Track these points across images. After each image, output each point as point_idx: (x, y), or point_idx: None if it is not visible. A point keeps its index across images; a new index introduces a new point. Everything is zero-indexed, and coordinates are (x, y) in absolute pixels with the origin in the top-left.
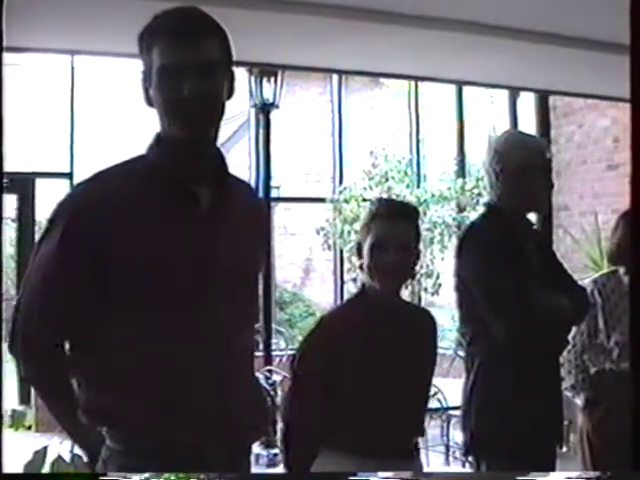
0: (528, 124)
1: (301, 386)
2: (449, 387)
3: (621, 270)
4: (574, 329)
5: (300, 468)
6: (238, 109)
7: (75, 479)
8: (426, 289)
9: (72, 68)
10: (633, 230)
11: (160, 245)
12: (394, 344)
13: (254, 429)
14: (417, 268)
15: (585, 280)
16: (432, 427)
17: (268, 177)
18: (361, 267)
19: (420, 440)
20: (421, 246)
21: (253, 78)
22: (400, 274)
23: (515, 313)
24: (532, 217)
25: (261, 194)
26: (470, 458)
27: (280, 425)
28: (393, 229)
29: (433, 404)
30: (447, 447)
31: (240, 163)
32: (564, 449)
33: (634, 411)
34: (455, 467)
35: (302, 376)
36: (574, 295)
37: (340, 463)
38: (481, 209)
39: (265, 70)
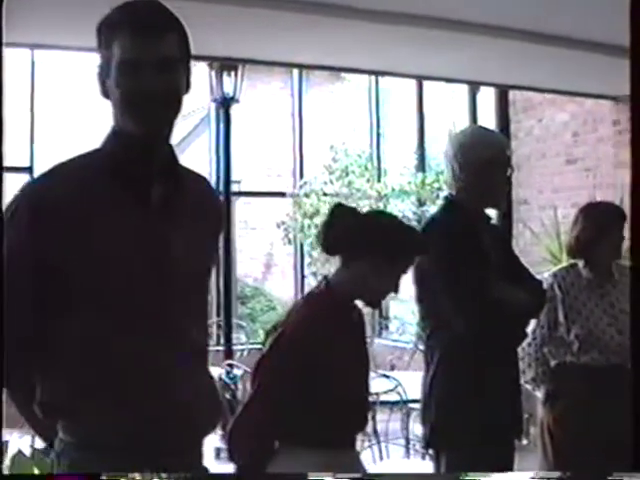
0: (488, 119)
1: (268, 381)
2: (409, 380)
3: (580, 263)
4: (534, 322)
5: (255, 464)
6: (198, 104)
7: (74, 479)
8: None
9: (32, 62)
10: (633, 230)
11: (113, 240)
12: (353, 338)
13: (207, 423)
14: None
15: (545, 273)
16: (392, 420)
17: (228, 171)
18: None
19: (380, 433)
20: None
21: (213, 72)
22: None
23: (474, 307)
24: (491, 211)
25: (221, 189)
26: (430, 451)
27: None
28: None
29: (393, 397)
30: (407, 440)
31: (200, 158)
32: (524, 442)
33: (633, 410)
34: (415, 460)
35: (266, 373)
36: (532, 288)
37: (307, 457)
38: (441, 203)
39: (225, 64)
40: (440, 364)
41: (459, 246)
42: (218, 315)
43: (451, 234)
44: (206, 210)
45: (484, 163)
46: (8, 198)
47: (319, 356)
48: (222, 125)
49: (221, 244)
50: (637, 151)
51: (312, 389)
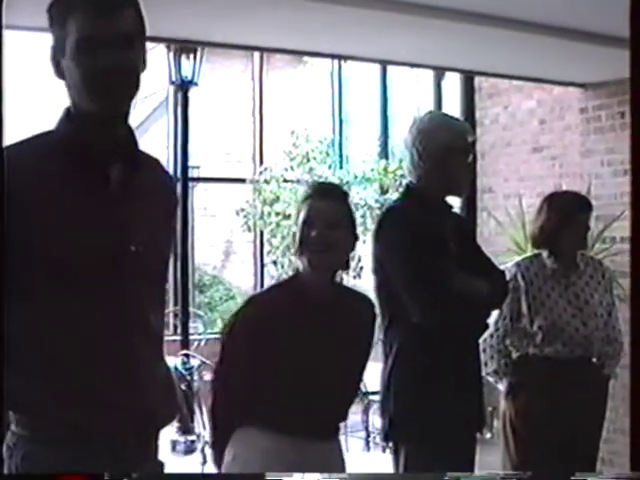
0: (453, 105)
1: (227, 364)
2: (371, 372)
3: (544, 253)
4: (496, 313)
5: (223, 445)
6: (157, 87)
7: (75, 479)
8: (348, 272)
9: None
10: (633, 229)
11: (68, 223)
12: (322, 327)
13: (162, 413)
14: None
15: (508, 264)
16: (353, 412)
17: (186, 157)
18: (296, 251)
19: (340, 425)
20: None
21: (172, 55)
22: (329, 250)
23: (432, 296)
24: (454, 200)
25: (180, 174)
26: (389, 444)
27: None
28: (320, 206)
29: None
30: (367, 433)
31: (158, 142)
32: (488, 435)
33: (632, 410)
34: (375, 453)
35: (228, 354)
36: (493, 278)
37: (260, 440)
38: (401, 191)
39: (184, 47)
40: (398, 355)
41: (417, 234)
42: (175, 304)
43: (409, 222)
44: (162, 194)
45: (443, 150)
46: None
47: (276, 341)
48: (180, 109)
49: (179, 231)
50: (637, 151)
51: (268, 372)
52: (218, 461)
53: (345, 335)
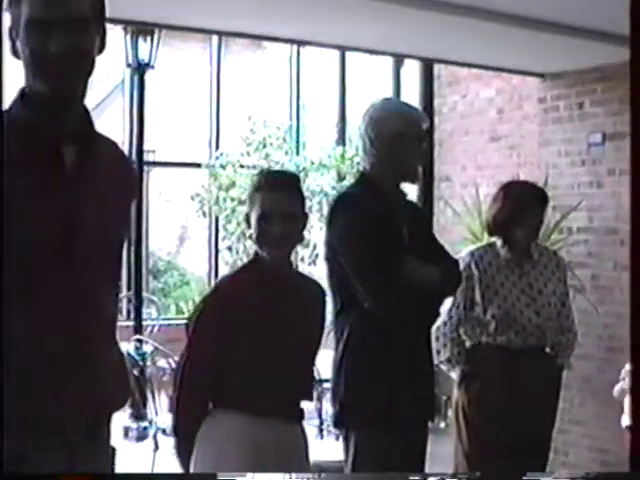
0: (412, 93)
1: (197, 348)
2: (324, 359)
3: (498, 243)
4: (450, 302)
5: (187, 430)
6: (113, 69)
7: (75, 479)
8: (303, 259)
9: None
10: (633, 228)
11: (20, 205)
12: (284, 311)
13: (114, 399)
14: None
15: (462, 252)
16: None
17: (142, 140)
18: (251, 237)
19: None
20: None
21: (128, 37)
22: (288, 242)
23: (383, 282)
24: (411, 188)
25: (135, 158)
26: (340, 430)
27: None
28: (276, 199)
29: None
30: (321, 421)
31: (114, 125)
32: (442, 424)
33: (632, 410)
34: (329, 440)
35: (199, 338)
36: (445, 266)
37: (228, 421)
38: (355, 178)
39: (141, 29)
40: (350, 341)
41: (369, 221)
42: (128, 289)
43: (361, 208)
44: (119, 177)
45: (395, 136)
46: None
47: (240, 323)
48: (136, 92)
49: (134, 215)
50: (637, 151)
51: (238, 355)
52: (181, 448)
53: (303, 318)
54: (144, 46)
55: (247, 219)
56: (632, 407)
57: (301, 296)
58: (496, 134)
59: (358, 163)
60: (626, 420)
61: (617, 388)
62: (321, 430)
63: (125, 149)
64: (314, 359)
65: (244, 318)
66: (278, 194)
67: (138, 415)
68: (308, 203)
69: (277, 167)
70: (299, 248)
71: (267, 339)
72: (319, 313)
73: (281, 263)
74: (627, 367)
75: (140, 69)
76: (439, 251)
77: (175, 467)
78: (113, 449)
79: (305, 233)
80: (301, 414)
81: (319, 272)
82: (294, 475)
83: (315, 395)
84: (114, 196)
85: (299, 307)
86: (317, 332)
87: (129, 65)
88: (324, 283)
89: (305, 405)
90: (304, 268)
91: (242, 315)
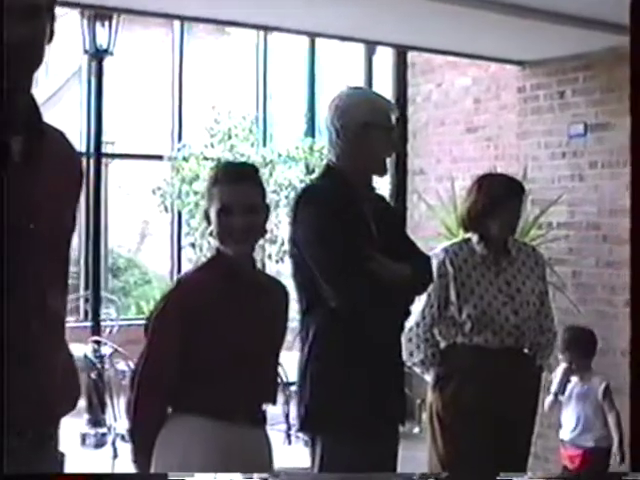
0: (384, 82)
1: (157, 349)
2: (292, 361)
3: (474, 238)
4: (423, 301)
5: (145, 435)
6: (70, 56)
7: (76, 479)
8: (270, 256)
9: None
10: (633, 225)
11: None
12: (247, 310)
13: (61, 401)
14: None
15: (436, 249)
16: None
17: (100, 131)
18: (211, 233)
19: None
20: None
21: (86, 22)
22: (250, 236)
23: (349, 280)
24: (384, 182)
25: (93, 149)
26: (306, 435)
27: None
28: (236, 192)
29: None
30: (288, 425)
31: (71, 115)
32: (416, 429)
33: (631, 410)
34: (296, 446)
35: (160, 338)
36: (417, 264)
37: (190, 426)
38: (320, 170)
39: (99, 13)
40: (315, 342)
41: (335, 215)
42: (86, 288)
43: (327, 202)
44: (66, 168)
45: (361, 126)
46: None
47: (203, 322)
48: (94, 80)
49: (91, 211)
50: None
51: (200, 355)
52: (138, 454)
53: (267, 317)
54: (102, 32)
55: (206, 215)
56: (631, 408)
57: (265, 295)
58: (472, 125)
59: (326, 155)
60: (565, 434)
61: (547, 402)
62: (289, 435)
63: (82, 140)
64: (277, 361)
65: (206, 317)
66: (237, 186)
67: (96, 421)
68: (275, 197)
69: (243, 159)
70: (266, 245)
71: (229, 339)
72: (283, 313)
73: (244, 259)
74: (558, 377)
75: (98, 56)
76: (410, 247)
77: None
78: (62, 455)
79: (273, 229)
80: (264, 418)
81: (287, 270)
82: (246, 475)
83: (282, 399)
84: (61, 188)
85: (263, 306)
86: (281, 333)
87: (86, 52)
88: (290, 282)
89: (272, 410)
90: (271, 266)
91: (204, 314)
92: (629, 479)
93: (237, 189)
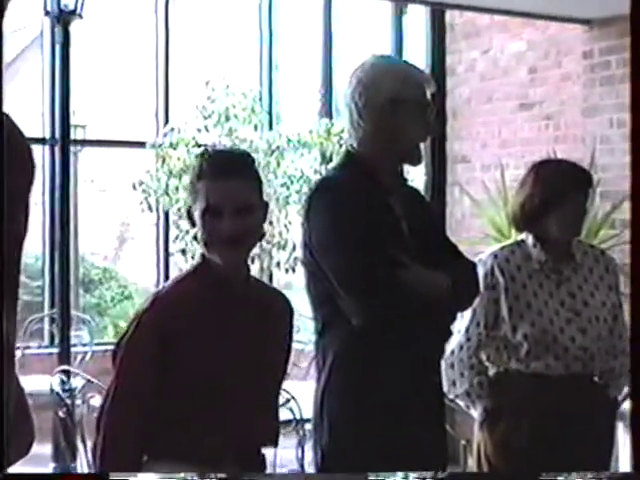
0: (417, 48)
1: (126, 382)
2: (307, 393)
3: (529, 240)
4: (467, 319)
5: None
6: (29, 18)
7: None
8: (279, 264)
9: None
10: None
11: None
12: (239, 330)
13: (10, 449)
14: (268, 236)
15: (482, 254)
16: (284, 445)
17: (68, 112)
18: (196, 237)
19: (268, 463)
20: (273, 206)
21: None
22: (243, 241)
23: (373, 292)
24: (417, 172)
25: (58, 135)
26: None
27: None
28: (225, 187)
29: (284, 415)
30: (303, 471)
31: (31, 91)
32: None
33: (633, 410)
34: None
35: (129, 369)
36: (458, 271)
37: (168, 476)
38: (339, 158)
39: None
40: (334, 370)
41: (357, 213)
42: (52, 306)
43: (346, 197)
44: (15, 161)
45: (389, 104)
46: None
47: (184, 348)
48: (59, 49)
49: (53, 210)
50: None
51: (181, 389)
52: None
53: (264, 340)
54: None
55: (189, 214)
56: (632, 409)
57: (262, 312)
58: (527, 100)
59: (346, 140)
60: None
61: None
62: None
63: (45, 123)
64: (277, 393)
65: (187, 342)
66: (227, 181)
67: (64, 468)
68: (284, 192)
69: (244, 146)
70: (274, 251)
71: (217, 368)
72: (284, 334)
73: (236, 269)
74: None
75: (63, 18)
76: (450, 252)
77: None
78: None
79: (282, 231)
80: (262, 464)
81: (300, 281)
82: None
83: (295, 440)
84: (7, 182)
85: (259, 326)
86: (282, 359)
87: (48, 13)
88: (303, 295)
89: (283, 453)
90: (280, 276)
91: (185, 338)
92: None
93: (227, 185)
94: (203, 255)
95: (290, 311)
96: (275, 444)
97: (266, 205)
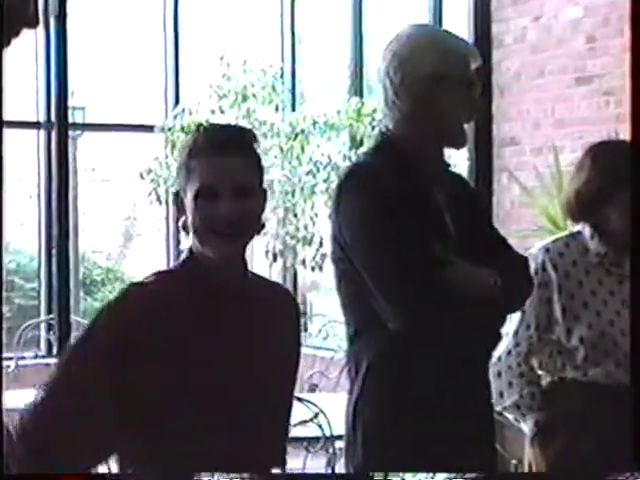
0: (458, 16)
1: (76, 389)
2: (337, 407)
3: (586, 231)
4: (516, 320)
5: None
6: None
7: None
8: (304, 262)
9: None
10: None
11: None
12: (234, 335)
13: None
14: (292, 230)
15: (533, 247)
16: (312, 465)
17: (65, 92)
18: (185, 226)
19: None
20: (297, 196)
21: None
22: (241, 231)
23: (413, 292)
24: (459, 156)
25: (55, 118)
26: None
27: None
28: (221, 168)
29: (312, 431)
30: None
31: (24, 67)
32: None
33: (634, 410)
34: None
35: (86, 372)
36: (508, 267)
37: None
38: (373, 142)
39: None
40: (368, 380)
41: (393, 203)
42: (49, 311)
43: (381, 186)
44: None
45: (428, 80)
46: None
47: (165, 356)
48: (54, 21)
49: (50, 203)
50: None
51: (160, 407)
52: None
53: (267, 343)
54: None
55: (177, 199)
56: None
57: (261, 313)
58: (585, 74)
59: (380, 121)
60: None
61: None
62: None
63: (40, 103)
64: (286, 409)
65: (169, 347)
66: (225, 157)
67: None
68: (310, 181)
69: (264, 129)
70: (298, 246)
71: (208, 381)
72: (290, 336)
73: (231, 263)
74: None
75: None
76: (499, 246)
77: None
78: None
79: (307, 224)
80: None
81: (327, 281)
82: None
83: (323, 458)
84: None
85: (258, 329)
86: (289, 365)
87: None
88: (333, 296)
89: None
90: (306, 275)
91: (166, 343)
92: None
93: (225, 162)
94: (191, 249)
95: (296, 310)
96: (283, 466)
97: (265, 193)
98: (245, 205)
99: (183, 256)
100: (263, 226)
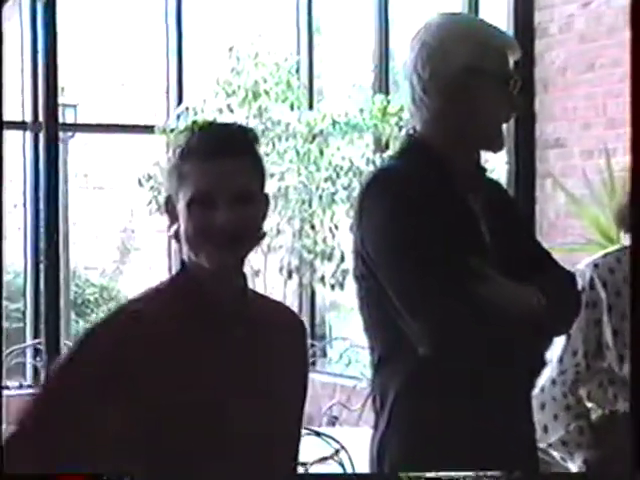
0: (496, 4)
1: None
2: (359, 441)
3: None
4: (562, 345)
5: None
6: None
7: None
8: (323, 279)
9: None
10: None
11: None
12: (231, 360)
13: None
14: (310, 244)
15: (581, 263)
16: None
17: (55, 88)
18: (177, 235)
19: None
20: (315, 205)
21: None
22: (239, 242)
23: (447, 313)
24: (496, 160)
25: (43, 117)
26: None
27: None
28: (218, 172)
29: (332, 468)
30: None
31: (11, 61)
32: None
33: (633, 410)
34: None
35: (67, 390)
36: (552, 284)
37: None
38: (399, 144)
39: None
40: (395, 411)
41: (422, 212)
42: (35, 335)
43: (409, 193)
44: None
45: (461, 74)
46: None
47: (155, 383)
48: (42, 10)
49: (37, 212)
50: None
51: (149, 437)
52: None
53: (267, 366)
54: None
55: (168, 207)
56: (632, 407)
57: (263, 334)
58: None
59: (408, 121)
60: None
61: None
62: None
63: (27, 103)
64: (293, 445)
65: (161, 372)
66: (223, 159)
67: None
68: (329, 188)
69: (278, 130)
70: (317, 262)
71: (201, 408)
72: (295, 361)
73: (228, 277)
74: None
75: None
76: (542, 261)
77: None
78: None
79: (326, 237)
80: None
81: (348, 300)
82: None
83: None
84: None
85: (259, 351)
86: (296, 391)
87: None
88: (355, 315)
89: None
90: (325, 294)
91: (157, 368)
92: None
93: (222, 165)
94: (183, 262)
95: (302, 331)
96: None
97: (267, 199)
98: (244, 212)
99: (176, 270)
100: (264, 235)
